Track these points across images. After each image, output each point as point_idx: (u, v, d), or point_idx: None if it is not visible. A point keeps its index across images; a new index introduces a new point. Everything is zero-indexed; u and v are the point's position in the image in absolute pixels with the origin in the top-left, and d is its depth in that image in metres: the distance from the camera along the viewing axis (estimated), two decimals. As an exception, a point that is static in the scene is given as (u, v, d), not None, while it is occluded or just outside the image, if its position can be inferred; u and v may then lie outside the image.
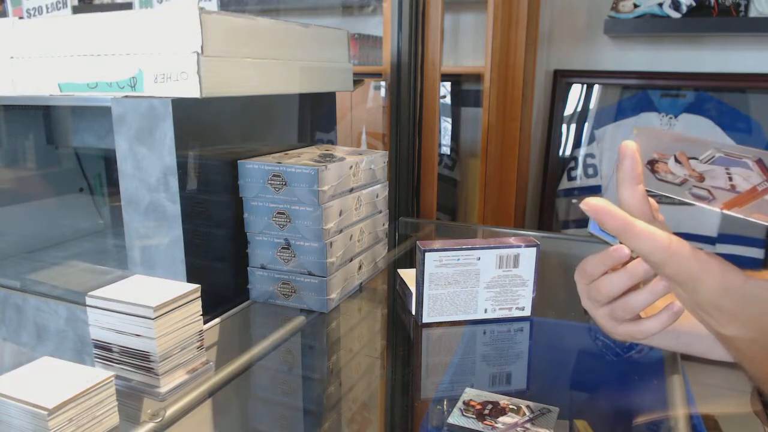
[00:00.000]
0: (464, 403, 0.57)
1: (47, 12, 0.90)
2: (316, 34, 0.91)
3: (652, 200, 0.50)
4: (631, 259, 0.49)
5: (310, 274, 0.77)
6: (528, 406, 0.56)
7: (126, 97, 0.71)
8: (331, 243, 0.76)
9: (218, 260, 0.78)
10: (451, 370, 0.65)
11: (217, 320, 0.75)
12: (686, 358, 0.66)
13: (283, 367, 0.69)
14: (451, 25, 1.70)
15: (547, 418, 0.54)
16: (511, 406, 0.56)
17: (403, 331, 0.79)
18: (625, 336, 0.55)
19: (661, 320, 0.52)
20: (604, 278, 0.51)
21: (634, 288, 0.51)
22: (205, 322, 0.62)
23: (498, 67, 1.41)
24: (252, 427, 0.59)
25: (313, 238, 0.75)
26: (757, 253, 1.44)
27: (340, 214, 0.78)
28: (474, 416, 0.54)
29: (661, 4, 1.41)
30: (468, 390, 0.59)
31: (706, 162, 0.42)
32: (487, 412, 0.55)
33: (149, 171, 0.71)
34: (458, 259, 0.73)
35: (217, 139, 0.77)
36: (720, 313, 0.44)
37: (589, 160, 1.61)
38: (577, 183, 1.63)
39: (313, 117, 0.99)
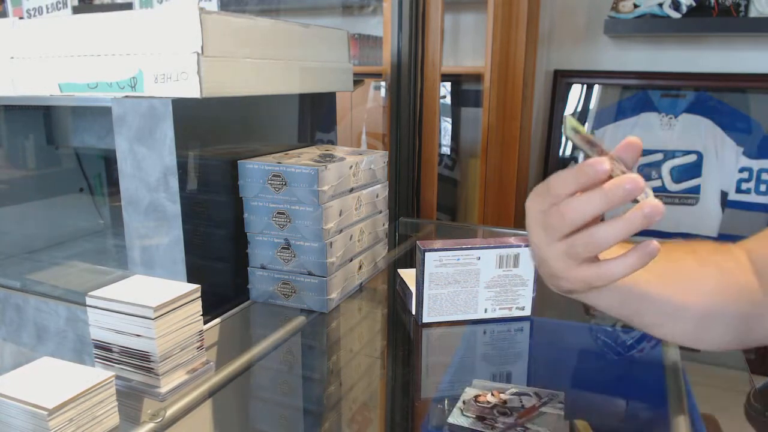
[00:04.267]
0: (464, 402, 0.57)
1: (47, 12, 0.90)
2: (316, 34, 0.91)
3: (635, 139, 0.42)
4: (610, 177, 0.40)
5: (310, 274, 0.77)
6: (536, 393, 0.58)
7: (126, 97, 0.71)
8: (331, 243, 0.76)
9: (218, 260, 0.78)
10: (451, 369, 0.65)
11: (217, 320, 0.75)
12: (686, 358, 0.66)
13: (283, 367, 0.69)
14: (451, 25, 1.70)
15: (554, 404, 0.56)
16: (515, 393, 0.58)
17: (403, 331, 0.79)
18: (580, 283, 0.45)
19: (629, 262, 0.41)
20: (572, 199, 0.41)
21: (599, 219, 0.42)
22: (205, 322, 0.62)
23: (498, 68, 1.41)
24: (252, 427, 0.59)
25: (313, 238, 0.75)
26: (757, 253, 1.44)
27: (340, 214, 0.78)
28: (474, 416, 0.54)
29: (661, 4, 1.41)
30: (468, 389, 0.59)
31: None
32: (489, 407, 0.56)
33: (149, 171, 0.71)
34: (458, 259, 0.73)
35: (217, 139, 0.77)
36: None
37: (589, 160, 1.61)
38: (577, 183, 1.62)
39: (313, 117, 0.99)
